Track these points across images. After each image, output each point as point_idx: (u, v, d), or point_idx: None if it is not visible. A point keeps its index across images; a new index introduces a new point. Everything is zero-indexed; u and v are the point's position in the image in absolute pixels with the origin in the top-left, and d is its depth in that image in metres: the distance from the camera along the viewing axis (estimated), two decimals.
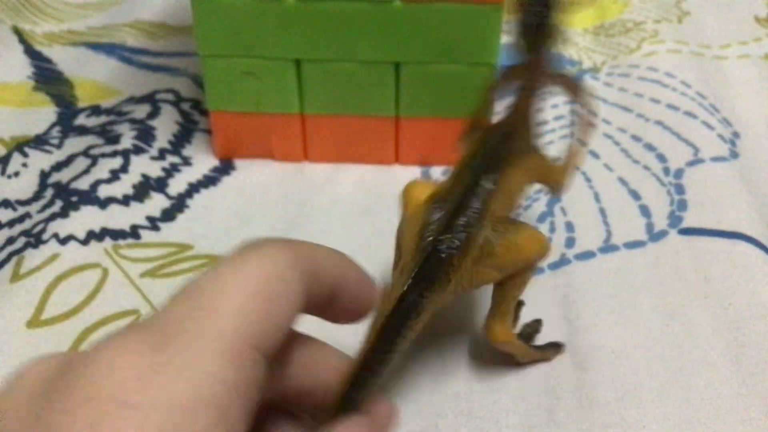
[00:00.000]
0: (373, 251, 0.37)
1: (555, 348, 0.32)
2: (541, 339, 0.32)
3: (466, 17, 0.37)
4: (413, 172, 0.42)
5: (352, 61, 0.38)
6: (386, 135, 0.41)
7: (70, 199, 0.39)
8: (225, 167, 0.42)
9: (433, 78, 0.39)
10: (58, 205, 0.39)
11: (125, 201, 0.39)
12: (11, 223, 0.38)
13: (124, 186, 0.40)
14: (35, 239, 0.37)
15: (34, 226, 0.38)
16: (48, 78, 0.50)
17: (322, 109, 0.40)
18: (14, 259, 0.36)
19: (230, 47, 0.39)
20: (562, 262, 0.36)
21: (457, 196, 0.27)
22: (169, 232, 0.38)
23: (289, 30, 0.38)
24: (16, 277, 0.35)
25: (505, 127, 0.30)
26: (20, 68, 0.51)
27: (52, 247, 0.36)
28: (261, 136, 0.42)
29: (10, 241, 0.37)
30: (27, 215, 0.39)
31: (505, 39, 0.38)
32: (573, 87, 0.33)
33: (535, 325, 0.32)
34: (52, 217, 0.38)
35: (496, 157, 0.29)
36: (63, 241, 0.37)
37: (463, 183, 0.28)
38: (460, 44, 0.38)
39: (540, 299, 0.34)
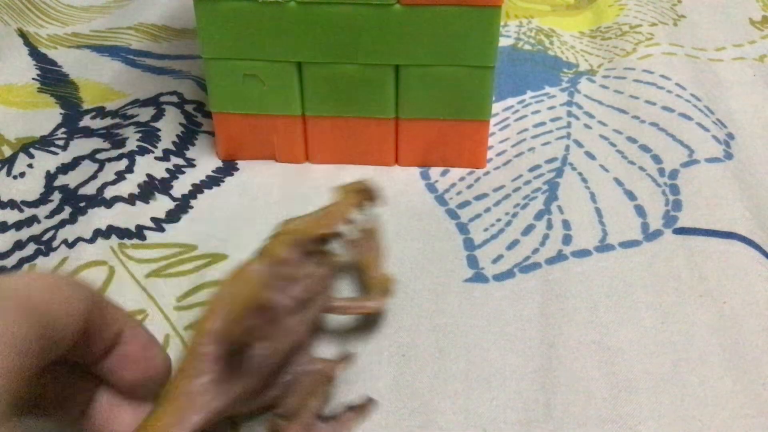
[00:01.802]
0: None
1: None
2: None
3: (465, 20, 0.37)
4: (413, 174, 0.42)
5: (353, 64, 0.39)
6: (386, 137, 0.42)
7: (78, 205, 0.40)
8: (228, 168, 0.43)
9: (432, 80, 0.39)
10: (68, 212, 0.39)
11: (131, 200, 0.40)
12: (18, 225, 0.39)
13: (129, 185, 0.41)
14: (45, 247, 0.37)
15: (44, 232, 0.38)
16: (53, 80, 0.51)
17: (324, 111, 0.41)
18: (25, 267, 0.37)
19: (233, 50, 0.39)
20: (559, 258, 0.37)
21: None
22: (174, 232, 0.38)
23: (290, 33, 0.38)
24: None
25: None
26: (25, 70, 0.52)
27: (62, 252, 0.37)
28: (263, 138, 0.42)
29: (19, 245, 0.38)
30: (35, 219, 0.39)
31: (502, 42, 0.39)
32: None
33: None
34: (62, 224, 0.39)
35: None
36: (71, 245, 0.37)
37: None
38: (459, 47, 0.38)
39: (537, 294, 0.35)
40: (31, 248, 0.38)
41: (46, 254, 0.37)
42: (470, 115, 0.41)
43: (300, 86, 0.40)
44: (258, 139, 0.42)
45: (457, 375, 0.31)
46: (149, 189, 0.41)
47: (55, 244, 0.38)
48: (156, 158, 0.43)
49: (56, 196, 0.41)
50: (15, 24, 0.56)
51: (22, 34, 0.55)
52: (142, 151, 0.43)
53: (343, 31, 0.38)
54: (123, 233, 0.38)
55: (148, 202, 0.40)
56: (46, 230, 0.39)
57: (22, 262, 0.37)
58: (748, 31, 0.55)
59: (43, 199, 0.41)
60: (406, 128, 0.41)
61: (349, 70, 0.39)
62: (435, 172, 0.42)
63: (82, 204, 0.40)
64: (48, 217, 0.39)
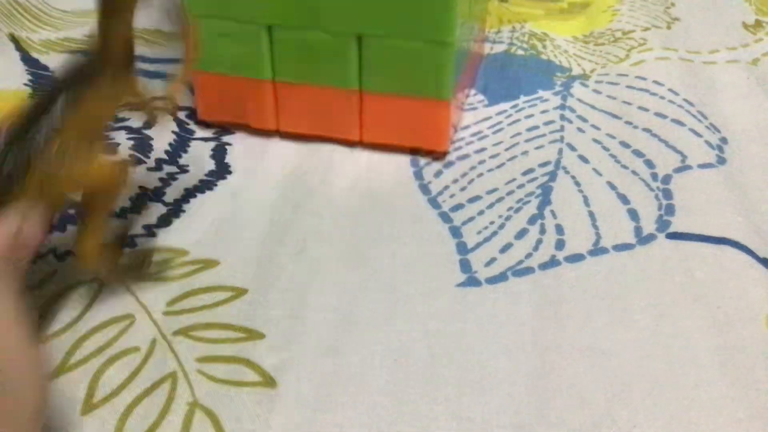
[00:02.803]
0: (367, 252, 0.37)
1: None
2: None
3: None
4: (405, 175, 0.42)
5: (318, 30, 0.40)
6: (351, 109, 0.42)
7: (67, 212, 0.39)
8: (221, 171, 0.42)
9: (393, 53, 0.40)
10: (56, 217, 0.39)
11: (122, 214, 0.39)
12: None
13: (121, 199, 0.40)
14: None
15: None
16: (45, 85, 0.51)
17: (293, 77, 0.42)
18: None
19: (209, 8, 0.41)
20: (552, 263, 0.36)
21: (30, 114, 0.29)
22: (165, 237, 0.38)
23: None
24: None
25: (94, 49, 0.31)
26: (17, 76, 0.51)
27: (50, 263, 0.37)
28: (238, 101, 0.44)
29: None
30: None
31: (461, 21, 0.39)
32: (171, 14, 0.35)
33: (122, 230, 0.36)
34: (50, 230, 0.38)
35: (79, 78, 0.30)
36: (60, 257, 0.37)
37: (40, 103, 0.29)
38: (417, 19, 0.39)
39: (531, 298, 0.35)
40: None
41: (33, 261, 0.37)
42: (430, 93, 0.41)
43: (270, 50, 0.41)
44: (234, 101, 0.43)
45: (450, 380, 0.31)
46: (141, 200, 0.40)
47: (42, 250, 0.37)
48: (149, 169, 0.43)
49: None
50: (7, 29, 0.56)
51: (14, 40, 0.55)
52: (134, 161, 0.43)
53: None
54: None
55: (140, 213, 0.40)
56: None
57: None
58: (741, 34, 0.55)
59: None
60: (369, 102, 0.42)
61: (315, 36, 0.40)
62: (428, 173, 0.42)
63: (71, 211, 0.39)
64: None
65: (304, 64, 0.41)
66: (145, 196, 0.41)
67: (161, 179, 0.42)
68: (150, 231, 0.39)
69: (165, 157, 0.44)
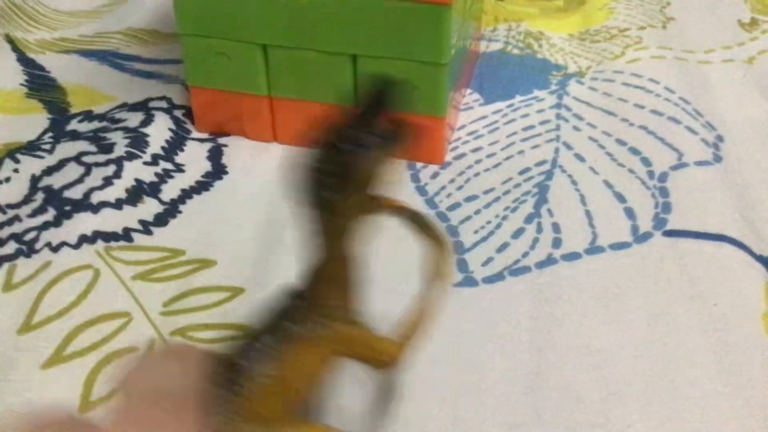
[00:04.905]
0: (363, 251, 0.37)
1: None
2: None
3: (416, 16, 0.38)
4: (404, 175, 0.42)
5: (313, 51, 0.40)
6: None
7: (63, 208, 0.39)
8: (217, 172, 0.42)
9: (388, 73, 0.40)
10: (51, 213, 0.39)
11: (118, 205, 0.40)
12: (0, 226, 0.39)
13: (117, 190, 0.41)
14: (27, 247, 0.37)
15: (26, 232, 0.38)
16: (41, 85, 0.51)
17: (288, 93, 0.42)
18: (6, 266, 0.36)
19: (205, 28, 0.41)
20: (549, 261, 0.36)
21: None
22: (162, 236, 0.38)
23: (256, 16, 0.40)
24: (9, 286, 0.35)
25: (312, 284, 0.24)
26: (13, 75, 0.51)
27: (45, 255, 0.37)
28: (235, 115, 0.44)
29: (0, 243, 0.38)
30: (16, 218, 0.39)
31: (455, 41, 0.39)
32: (420, 221, 0.28)
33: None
34: (45, 226, 0.38)
35: (284, 330, 0.24)
36: (55, 249, 0.37)
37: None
38: (411, 41, 0.39)
39: (527, 298, 0.35)
40: (11, 247, 0.37)
41: (27, 255, 0.37)
42: (426, 111, 0.41)
43: (266, 68, 0.42)
44: (230, 115, 0.44)
45: (446, 379, 0.31)
46: (137, 192, 0.41)
47: (38, 246, 0.37)
48: (144, 163, 0.43)
49: (39, 196, 0.40)
50: (3, 30, 0.56)
51: (10, 40, 0.55)
52: (131, 156, 0.43)
53: (303, 18, 0.39)
54: (109, 236, 0.38)
55: (135, 206, 0.40)
56: (28, 230, 0.38)
57: (1, 260, 0.36)
58: (737, 33, 0.55)
59: (26, 200, 0.40)
60: None
61: (310, 56, 0.40)
62: (425, 174, 0.42)
63: (68, 207, 0.39)
64: (30, 216, 0.39)
65: (300, 81, 0.42)
66: (141, 189, 0.41)
67: (157, 174, 0.42)
68: (146, 228, 0.39)
69: (161, 153, 0.44)
